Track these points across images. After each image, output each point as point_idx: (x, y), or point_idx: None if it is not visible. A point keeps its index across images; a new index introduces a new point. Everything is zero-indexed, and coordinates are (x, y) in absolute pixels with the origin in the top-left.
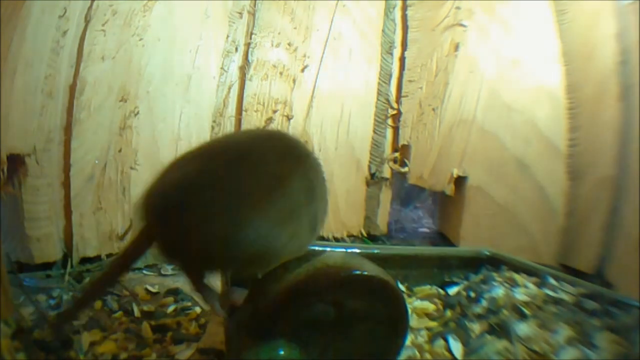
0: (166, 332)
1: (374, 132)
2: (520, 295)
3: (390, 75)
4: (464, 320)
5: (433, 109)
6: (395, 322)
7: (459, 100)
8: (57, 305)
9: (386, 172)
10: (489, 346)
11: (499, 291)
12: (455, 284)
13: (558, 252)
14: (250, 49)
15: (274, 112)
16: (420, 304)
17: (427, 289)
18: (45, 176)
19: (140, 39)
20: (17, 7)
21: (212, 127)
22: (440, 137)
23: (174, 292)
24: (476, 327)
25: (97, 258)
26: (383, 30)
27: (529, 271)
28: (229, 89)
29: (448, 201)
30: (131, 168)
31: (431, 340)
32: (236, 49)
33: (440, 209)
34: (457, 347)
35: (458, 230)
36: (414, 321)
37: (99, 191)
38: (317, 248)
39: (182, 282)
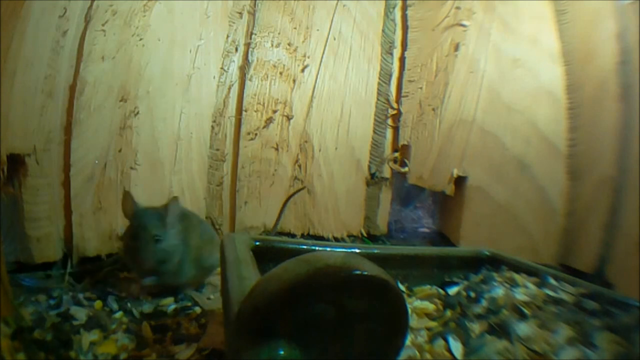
0: (166, 332)
1: (374, 132)
2: (520, 295)
3: (390, 75)
4: (464, 320)
5: (433, 109)
6: (395, 322)
7: (459, 100)
8: (57, 305)
9: (386, 172)
10: (489, 346)
11: (499, 291)
12: (455, 284)
13: (558, 252)
14: (250, 49)
15: (274, 112)
16: (420, 304)
17: (427, 289)
18: (45, 176)
19: (140, 39)
20: (17, 7)
21: (212, 127)
22: (440, 137)
23: (174, 292)
24: (476, 327)
25: (97, 258)
26: (383, 30)
27: (529, 271)
28: (229, 89)
29: (448, 201)
30: (131, 168)
31: (431, 340)
32: (236, 49)
33: (440, 209)
34: (457, 347)
35: (458, 230)
36: (414, 321)
37: (99, 191)
38: (317, 248)
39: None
